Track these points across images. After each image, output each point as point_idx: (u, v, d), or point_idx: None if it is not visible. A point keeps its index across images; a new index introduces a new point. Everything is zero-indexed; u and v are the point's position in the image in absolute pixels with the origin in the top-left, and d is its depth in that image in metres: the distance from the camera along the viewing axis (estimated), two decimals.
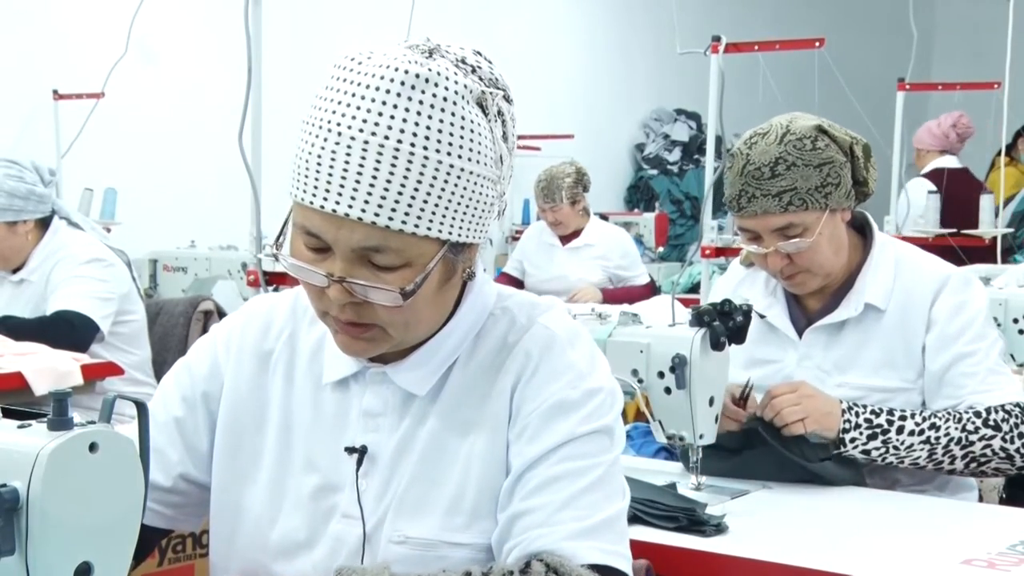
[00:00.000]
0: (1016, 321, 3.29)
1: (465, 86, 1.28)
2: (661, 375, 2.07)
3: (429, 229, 1.27)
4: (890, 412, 2.15)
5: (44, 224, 3.64)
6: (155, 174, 6.07)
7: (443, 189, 1.26)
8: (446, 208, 1.27)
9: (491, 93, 1.31)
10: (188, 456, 1.49)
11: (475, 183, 1.29)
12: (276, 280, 3.87)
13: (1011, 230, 7.03)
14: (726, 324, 2.06)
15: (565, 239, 5.91)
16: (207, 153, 6.00)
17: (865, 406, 2.15)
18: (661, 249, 7.76)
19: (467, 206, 1.29)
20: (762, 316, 2.33)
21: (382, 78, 1.25)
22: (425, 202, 1.26)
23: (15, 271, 3.66)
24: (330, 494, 1.42)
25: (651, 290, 5.89)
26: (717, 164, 4.37)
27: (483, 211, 1.32)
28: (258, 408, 1.47)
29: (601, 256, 5.85)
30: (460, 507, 1.38)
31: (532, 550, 1.32)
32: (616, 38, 9.36)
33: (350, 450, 1.41)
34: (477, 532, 1.38)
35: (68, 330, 3.43)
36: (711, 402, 2.08)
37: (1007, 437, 2.14)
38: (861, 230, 2.35)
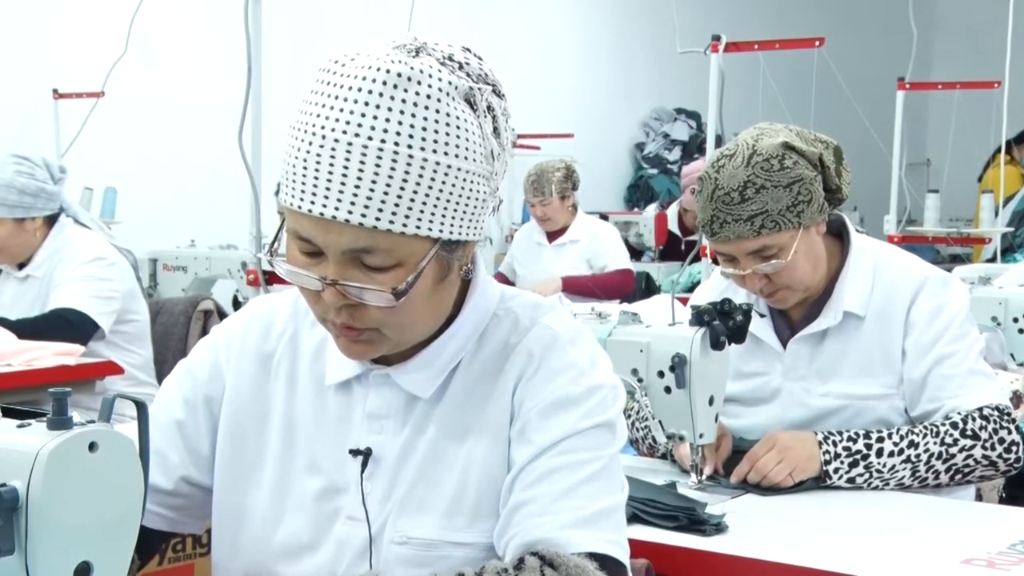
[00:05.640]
0: (1016, 321, 3.29)
1: (450, 82, 1.27)
2: (661, 374, 2.08)
3: (418, 228, 1.26)
4: (867, 436, 2.12)
5: (51, 221, 3.65)
6: (155, 173, 6.07)
7: (430, 187, 1.25)
8: (434, 206, 1.26)
9: (479, 89, 1.30)
10: (189, 458, 1.49)
11: (463, 179, 1.28)
12: (276, 280, 3.87)
13: (1011, 229, 7.04)
14: (726, 323, 2.06)
15: (552, 237, 5.90)
16: (207, 153, 6.00)
17: (841, 433, 2.13)
18: (660, 248, 7.75)
19: (456, 203, 1.28)
20: (762, 315, 2.32)
21: (364, 79, 1.24)
22: (412, 201, 1.25)
23: (20, 267, 3.67)
24: (334, 496, 1.42)
25: (629, 277, 5.78)
26: None
27: (474, 207, 1.31)
28: (260, 410, 1.47)
29: (586, 251, 5.83)
30: (460, 507, 1.38)
31: (529, 539, 1.32)
32: (616, 38, 9.36)
33: (354, 452, 1.41)
34: (479, 532, 1.37)
35: (65, 328, 3.44)
36: (711, 401, 2.08)
37: (987, 444, 2.12)
38: (839, 234, 2.33)
